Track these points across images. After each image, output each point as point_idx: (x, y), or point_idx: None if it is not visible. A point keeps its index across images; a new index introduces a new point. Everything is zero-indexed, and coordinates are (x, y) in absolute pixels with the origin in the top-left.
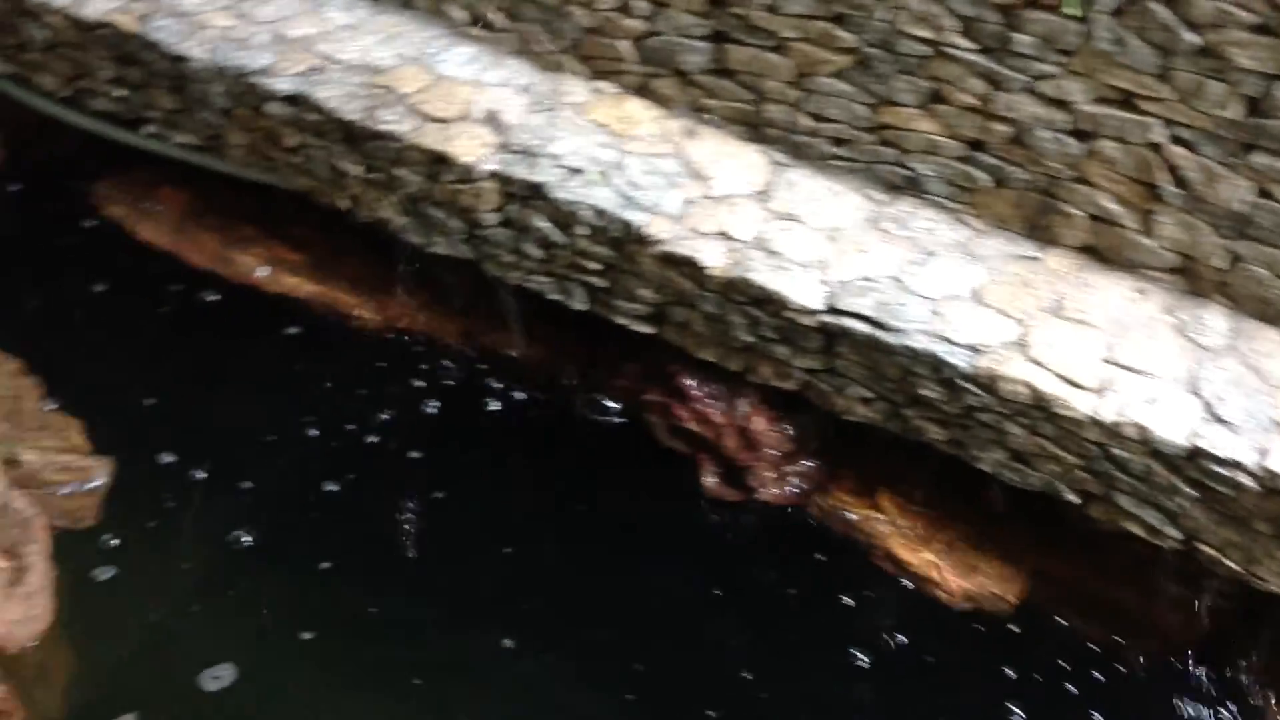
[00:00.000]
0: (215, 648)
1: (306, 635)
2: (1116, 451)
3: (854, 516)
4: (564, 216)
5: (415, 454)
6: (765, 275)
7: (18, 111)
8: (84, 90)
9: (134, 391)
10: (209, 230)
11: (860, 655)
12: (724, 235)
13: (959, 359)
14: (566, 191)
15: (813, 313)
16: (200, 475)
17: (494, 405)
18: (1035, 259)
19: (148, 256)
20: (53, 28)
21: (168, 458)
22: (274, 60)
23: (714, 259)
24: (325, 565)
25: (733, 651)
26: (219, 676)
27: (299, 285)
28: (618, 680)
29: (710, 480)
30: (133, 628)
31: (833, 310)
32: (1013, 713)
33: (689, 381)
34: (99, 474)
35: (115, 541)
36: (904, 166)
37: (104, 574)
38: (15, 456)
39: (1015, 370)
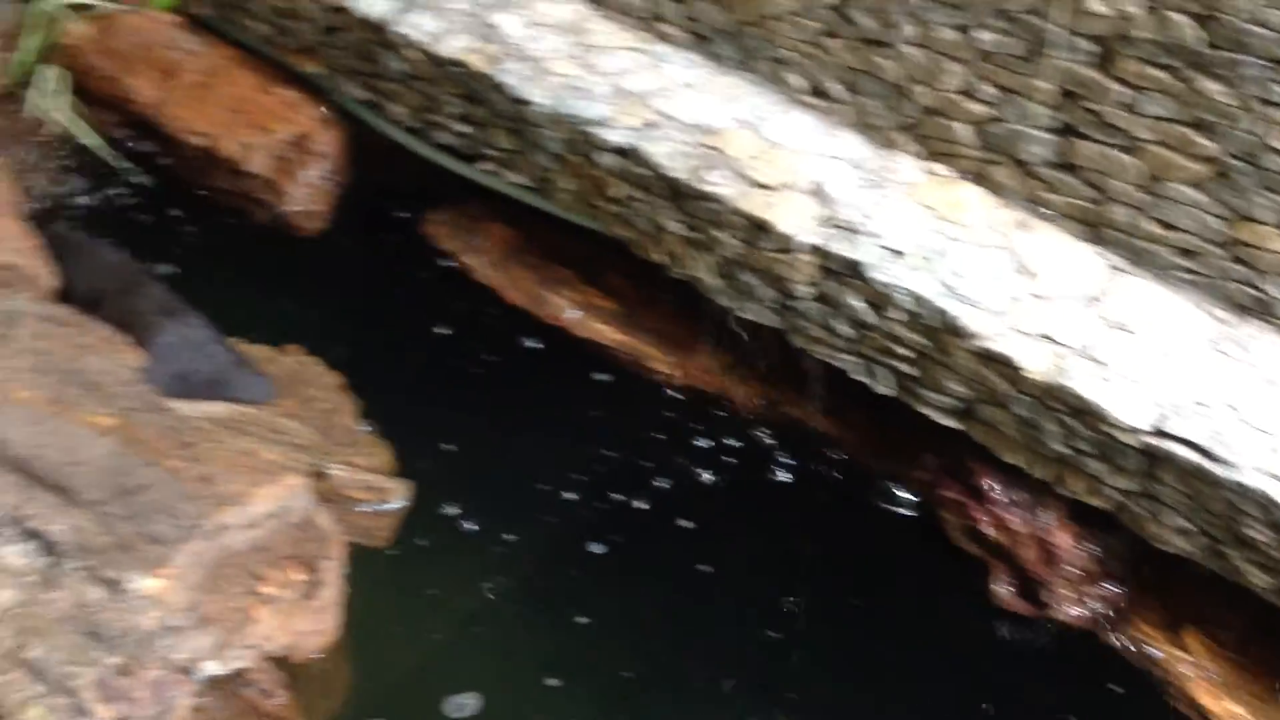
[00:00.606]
0: (468, 678)
1: (553, 681)
2: None
3: (1155, 652)
4: (880, 298)
5: (691, 519)
6: (1088, 385)
7: (368, 137)
8: (430, 123)
9: (441, 419)
10: (528, 269)
11: None
12: (1047, 337)
13: None
14: (885, 273)
15: (1136, 432)
16: (485, 511)
17: (781, 478)
18: None
19: (469, 288)
20: (410, 61)
21: (460, 489)
22: (610, 112)
23: (1034, 361)
24: (582, 620)
25: None
26: (463, 705)
27: (606, 333)
28: None
29: (1001, 589)
30: (405, 650)
31: (1159, 432)
32: None
33: (991, 483)
34: (398, 497)
35: (402, 564)
36: (1255, 287)
37: (388, 595)
38: (324, 469)
39: None
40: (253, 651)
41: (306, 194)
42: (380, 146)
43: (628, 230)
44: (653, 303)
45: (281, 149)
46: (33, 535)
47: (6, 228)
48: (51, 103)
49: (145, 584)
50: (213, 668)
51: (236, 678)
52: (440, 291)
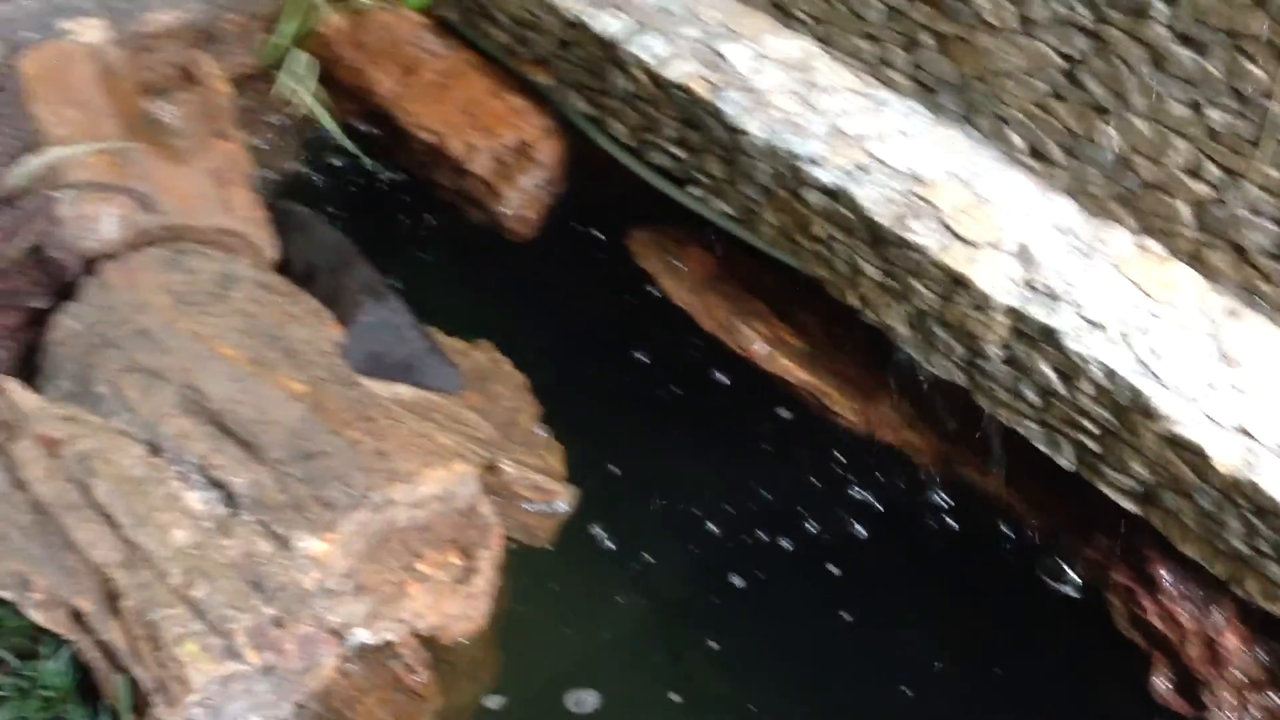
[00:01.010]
0: (594, 679)
1: (674, 697)
2: None
3: None
4: (1071, 367)
5: (842, 566)
6: (1278, 485)
7: (584, 151)
8: (647, 142)
9: (616, 434)
10: (723, 297)
11: None
12: (1243, 430)
13: None
14: (1081, 343)
15: None
16: (642, 529)
17: (945, 537)
18: None
19: (664, 309)
20: (635, 81)
21: (622, 505)
22: (824, 150)
23: (1225, 453)
24: (714, 645)
25: None
26: (582, 701)
27: (793, 370)
28: None
29: (1161, 684)
30: (544, 648)
31: None
32: None
33: (1164, 573)
34: (565, 501)
35: (555, 567)
36: None
37: (538, 594)
38: (497, 463)
39: None
40: (402, 626)
41: (521, 199)
42: (594, 161)
43: (825, 270)
44: (840, 346)
45: (504, 153)
46: (216, 484)
47: (238, 196)
48: (299, 86)
49: (311, 545)
50: (363, 635)
51: (383, 649)
52: (635, 309)
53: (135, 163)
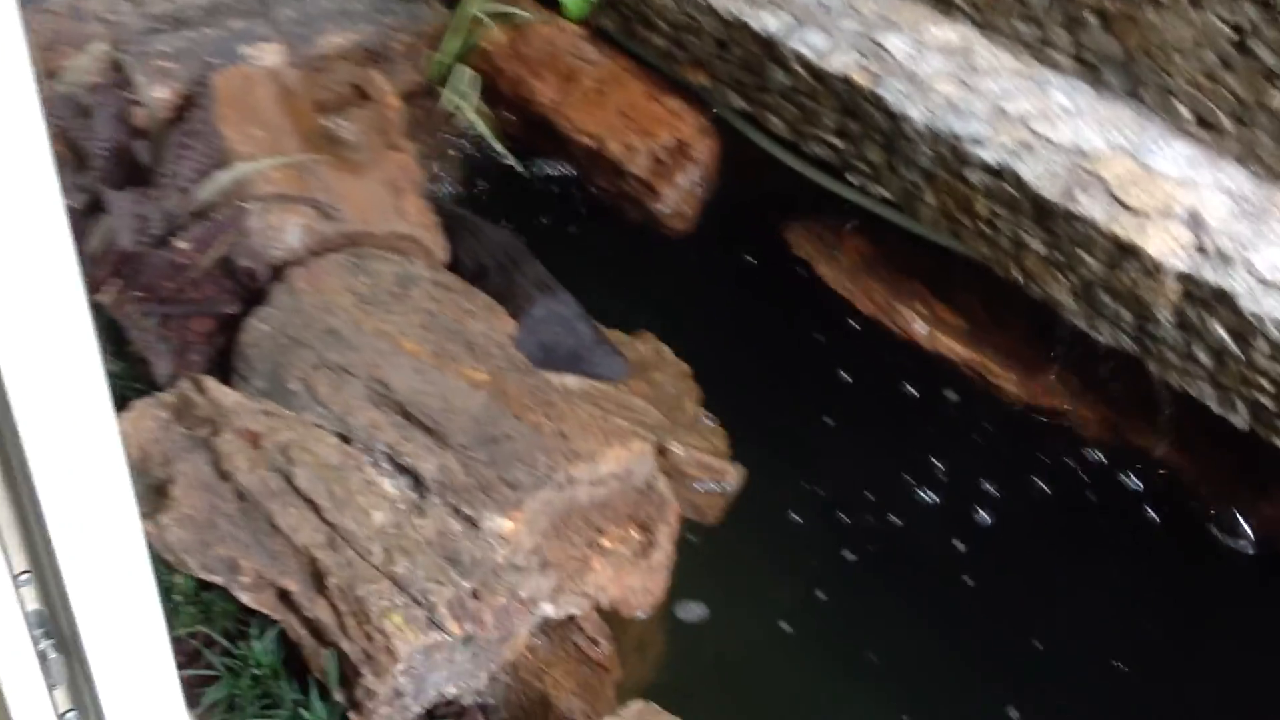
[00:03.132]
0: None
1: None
2: None
3: None
4: (1246, 327)
5: (1011, 535)
6: None
7: (739, 149)
8: (804, 134)
9: (778, 417)
10: (880, 281)
11: None
12: None
13: None
14: (1255, 304)
15: None
16: (807, 507)
17: (1114, 504)
18: None
19: (822, 296)
20: (794, 75)
21: (787, 484)
22: (986, 130)
23: None
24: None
25: None
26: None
27: (955, 348)
28: None
29: None
30: (712, 625)
31: None
32: None
33: None
34: (733, 479)
35: (727, 545)
36: None
37: (710, 570)
38: (665, 445)
39: None
40: (586, 600)
41: (678, 197)
42: (749, 159)
43: (987, 247)
44: (1001, 323)
45: (661, 153)
46: (405, 471)
47: (411, 204)
48: (463, 100)
49: (499, 523)
50: (549, 609)
51: (567, 624)
52: (794, 297)
53: (315, 175)
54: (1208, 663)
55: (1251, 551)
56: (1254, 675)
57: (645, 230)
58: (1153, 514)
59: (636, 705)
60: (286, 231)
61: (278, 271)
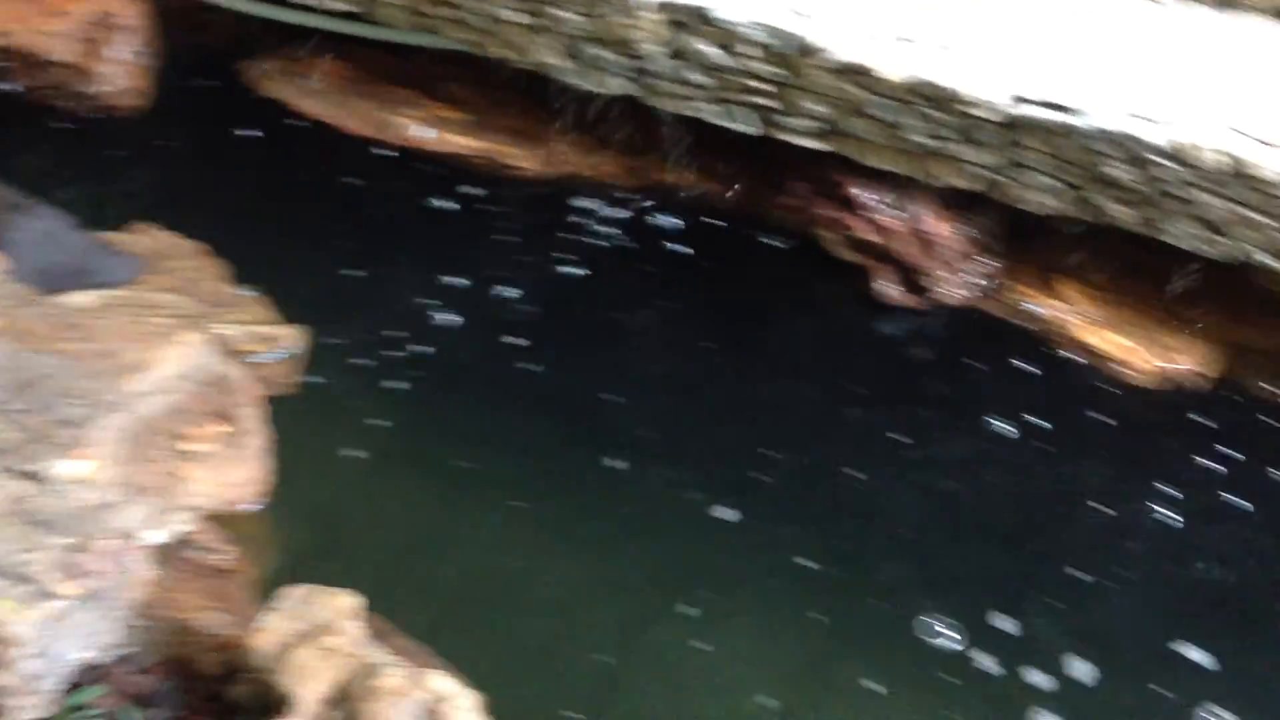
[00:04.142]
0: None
1: (465, 465)
2: None
3: (1037, 309)
4: (729, 37)
5: (585, 292)
6: (944, 73)
7: (178, 4)
8: None
9: (315, 264)
10: (366, 98)
11: (1054, 431)
12: (899, 38)
13: (1156, 136)
14: (731, 11)
15: (996, 106)
16: (370, 344)
17: (660, 238)
18: None
19: (308, 131)
20: None
21: (343, 326)
22: None
23: (890, 65)
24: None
25: (903, 430)
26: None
27: (461, 142)
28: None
29: (887, 288)
30: (333, 487)
31: (1019, 100)
32: (1215, 457)
33: (861, 192)
34: (293, 341)
35: (308, 406)
36: None
37: (303, 436)
38: (214, 329)
39: (1213, 140)
40: (192, 513)
41: (120, 72)
42: (187, 8)
43: (464, 32)
44: (501, 104)
45: (84, 31)
46: None
47: None
48: None
49: (70, 467)
50: (156, 535)
51: (184, 543)
52: (281, 141)
53: None
54: (762, 346)
55: (788, 243)
56: (799, 344)
57: (99, 118)
58: (695, 237)
59: (299, 590)
60: None
61: None
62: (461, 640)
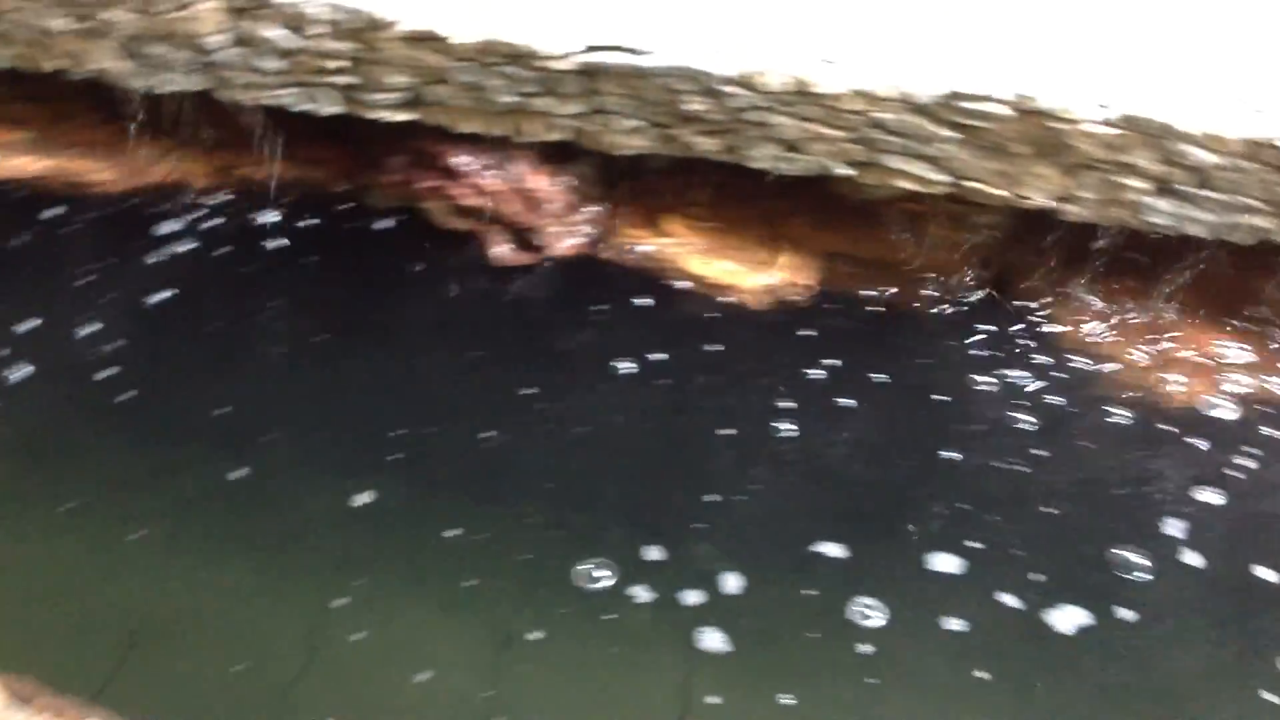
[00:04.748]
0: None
1: (73, 505)
2: (877, 115)
3: (646, 247)
4: (295, 19)
5: (181, 311)
6: (513, 30)
7: None
8: None
9: None
10: None
11: (673, 364)
12: (472, 3)
13: (725, 68)
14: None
15: (570, 55)
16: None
17: (258, 238)
18: None
19: None
20: None
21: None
22: None
23: (460, 29)
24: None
25: (532, 385)
26: None
27: (27, 164)
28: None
29: (499, 250)
30: None
31: (590, 48)
32: (820, 365)
33: (459, 159)
34: None
35: None
36: None
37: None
38: None
39: (778, 65)
40: None
41: None
42: None
43: (12, 47)
44: (68, 117)
45: None
46: None
47: None
48: None
49: None
50: None
51: None
52: None
53: None
54: (385, 325)
55: (395, 221)
56: (422, 317)
57: None
58: (295, 231)
59: None
60: None
61: None
62: (118, 682)
